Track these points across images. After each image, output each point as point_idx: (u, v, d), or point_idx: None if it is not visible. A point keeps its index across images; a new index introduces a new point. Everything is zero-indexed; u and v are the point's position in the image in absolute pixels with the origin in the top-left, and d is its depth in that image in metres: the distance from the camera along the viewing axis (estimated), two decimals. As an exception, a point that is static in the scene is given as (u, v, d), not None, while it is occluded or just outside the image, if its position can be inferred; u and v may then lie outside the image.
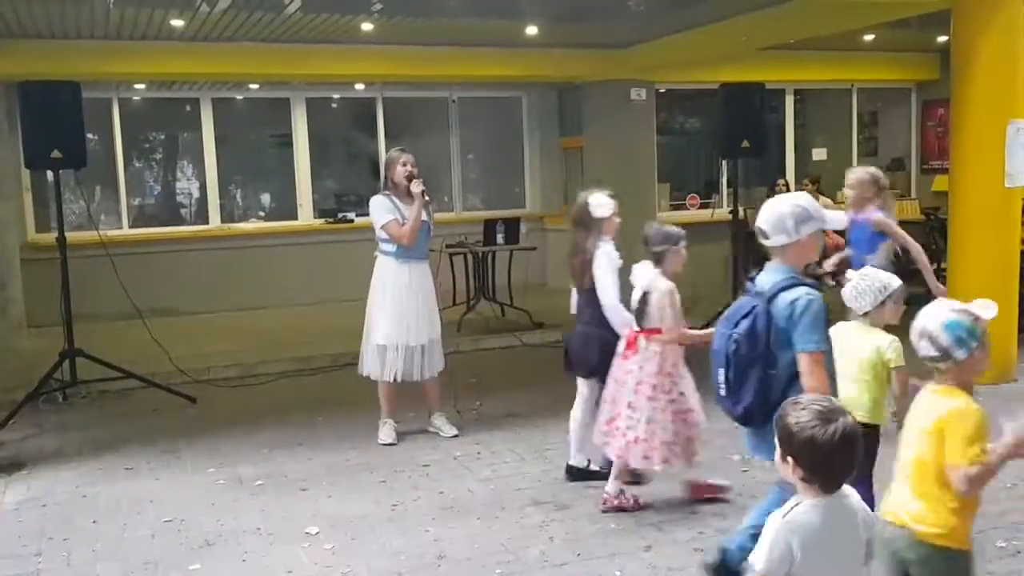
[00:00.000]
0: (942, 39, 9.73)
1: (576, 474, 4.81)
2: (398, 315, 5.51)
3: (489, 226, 9.03)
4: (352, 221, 10.91)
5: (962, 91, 6.58)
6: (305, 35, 8.69)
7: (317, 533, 4.23)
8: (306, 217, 11.05)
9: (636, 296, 4.28)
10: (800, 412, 2.10)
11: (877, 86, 12.51)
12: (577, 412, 4.77)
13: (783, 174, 11.85)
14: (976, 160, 6.49)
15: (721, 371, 3.03)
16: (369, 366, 5.66)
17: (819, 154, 12.55)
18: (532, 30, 8.96)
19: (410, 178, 5.47)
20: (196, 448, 5.65)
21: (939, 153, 11.88)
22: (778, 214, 3.01)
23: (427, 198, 5.48)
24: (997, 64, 6.40)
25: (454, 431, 5.74)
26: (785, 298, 2.93)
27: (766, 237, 3.04)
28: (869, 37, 10.37)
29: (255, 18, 7.89)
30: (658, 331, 4.19)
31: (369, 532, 4.24)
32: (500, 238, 9.13)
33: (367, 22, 8.26)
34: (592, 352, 4.56)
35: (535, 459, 5.22)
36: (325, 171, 11.71)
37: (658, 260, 4.21)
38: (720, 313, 3.38)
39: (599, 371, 4.49)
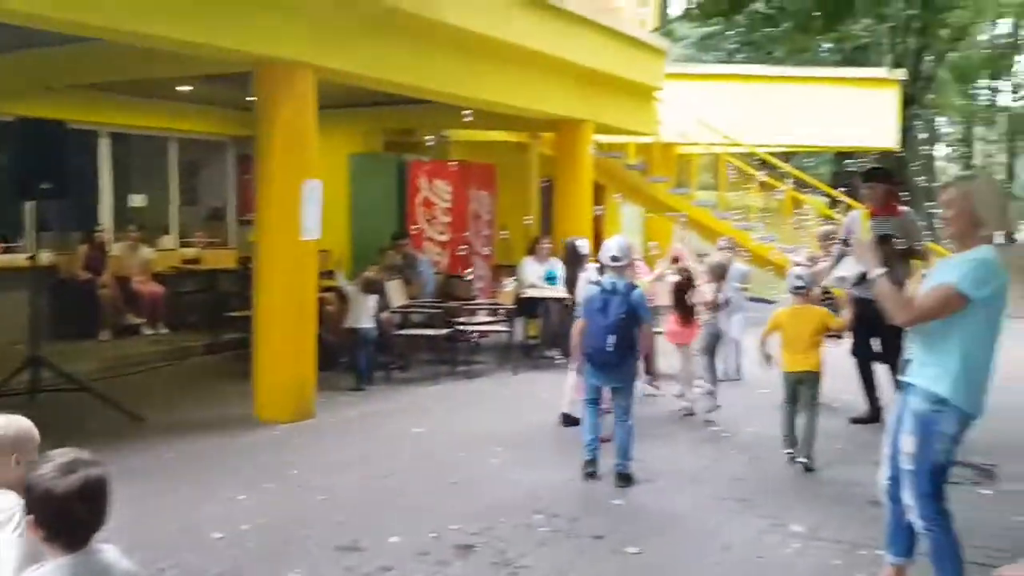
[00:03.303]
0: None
1: None
2: None
3: None
4: None
5: (265, 149, 7.00)
6: None
7: None
8: None
9: None
10: (42, 466, 1.97)
11: (196, 137, 12.72)
12: None
13: (97, 219, 11.25)
14: (278, 214, 6.95)
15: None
16: None
17: (138, 200, 12.25)
18: None
19: None
20: None
21: (255, 205, 12.52)
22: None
23: None
24: (294, 127, 6.96)
25: None
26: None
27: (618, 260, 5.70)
28: (185, 88, 10.50)
29: None
30: None
31: None
32: None
33: None
34: None
35: None
36: None
37: None
38: None
39: None
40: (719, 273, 7.77)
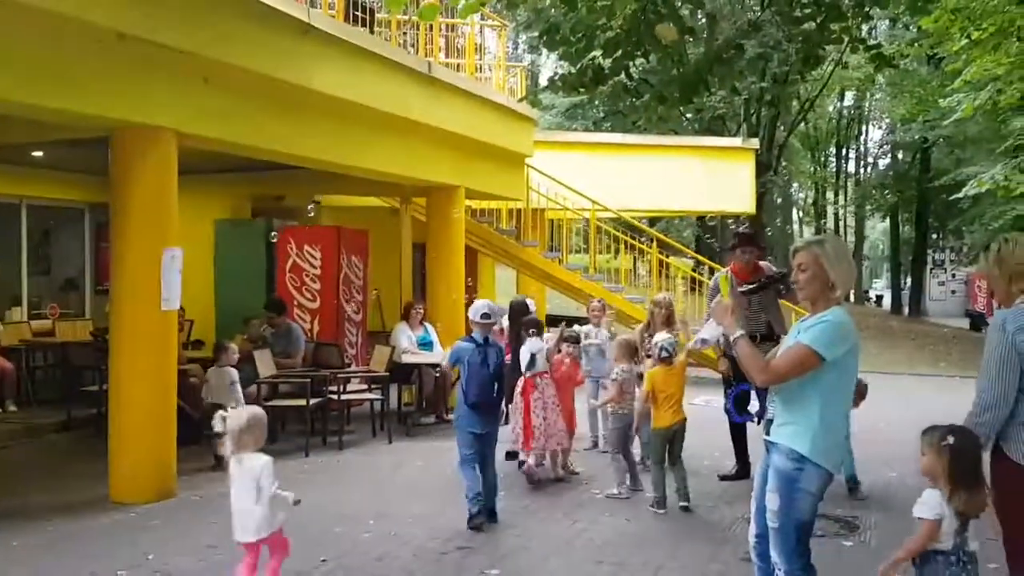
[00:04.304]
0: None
1: None
2: None
3: None
4: None
5: (121, 216, 6.71)
6: None
7: None
8: None
9: None
10: None
11: (50, 203, 12.11)
12: None
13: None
14: (135, 283, 6.64)
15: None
16: None
17: (-18, 272, 11.52)
18: None
19: None
20: None
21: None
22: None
23: None
24: (153, 194, 6.70)
25: None
26: None
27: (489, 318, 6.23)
28: (38, 153, 10.03)
29: None
30: None
31: None
32: None
33: None
34: None
35: None
36: None
37: None
38: None
39: None
40: (632, 349, 7.04)
